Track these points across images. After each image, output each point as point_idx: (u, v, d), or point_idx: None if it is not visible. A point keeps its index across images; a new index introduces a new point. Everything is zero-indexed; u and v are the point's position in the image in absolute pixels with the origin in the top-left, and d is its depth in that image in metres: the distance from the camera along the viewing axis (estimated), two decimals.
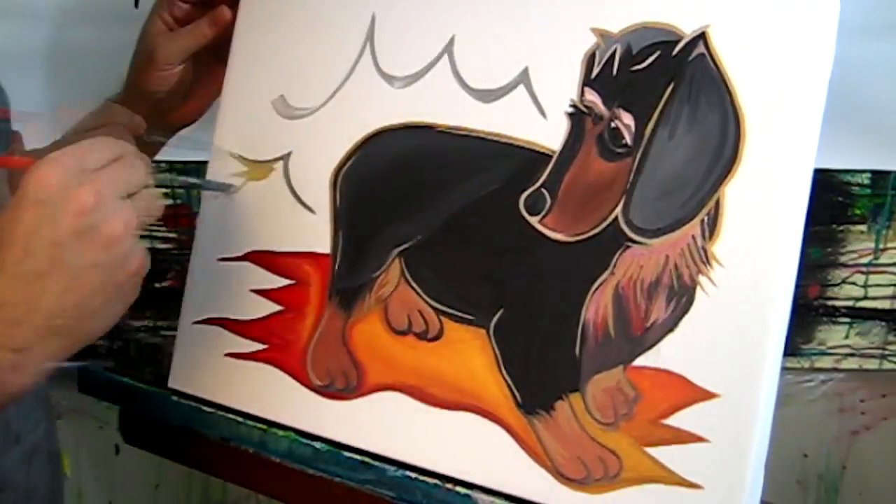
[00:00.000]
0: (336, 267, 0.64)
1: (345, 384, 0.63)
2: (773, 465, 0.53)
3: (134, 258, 0.52)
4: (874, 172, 0.96)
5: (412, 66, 0.63)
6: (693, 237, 0.54)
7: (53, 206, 0.50)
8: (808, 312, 0.99)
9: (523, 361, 0.58)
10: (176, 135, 0.79)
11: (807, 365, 1.01)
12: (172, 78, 0.74)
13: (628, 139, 0.56)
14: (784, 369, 0.53)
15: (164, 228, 1.06)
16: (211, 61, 0.75)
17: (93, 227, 0.50)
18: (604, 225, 0.56)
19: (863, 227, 0.97)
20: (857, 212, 0.97)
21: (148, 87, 0.74)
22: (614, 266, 0.56)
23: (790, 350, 0.98)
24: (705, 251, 0.54)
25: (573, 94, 0.57)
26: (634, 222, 0.55)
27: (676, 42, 0.55)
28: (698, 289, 0.54)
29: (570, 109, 0.58)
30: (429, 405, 0.60)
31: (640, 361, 0.55)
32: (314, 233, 0.65)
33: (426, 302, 0.61)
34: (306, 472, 0.63)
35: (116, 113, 0.56)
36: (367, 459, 0.61)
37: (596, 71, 0.57)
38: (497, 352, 0.59)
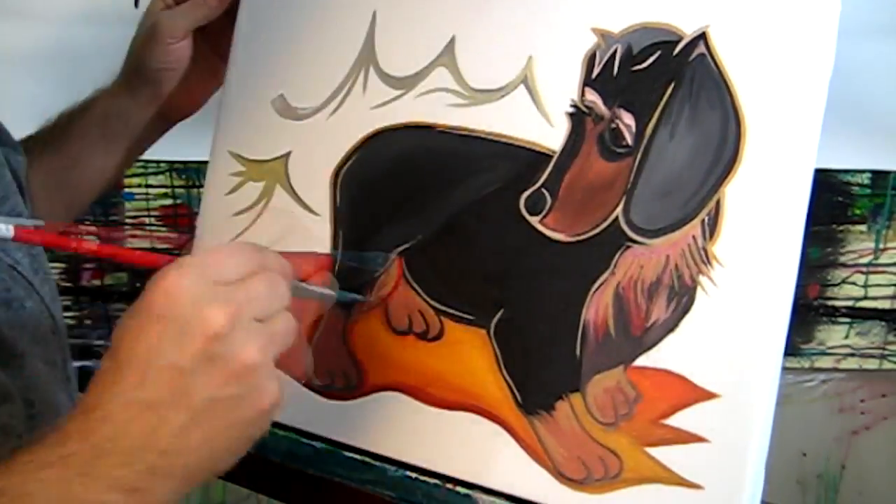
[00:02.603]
0: (336, 267, 0.64)
1: (345, 384, 0.63)
2: (773, 465, 0.53)
3: (267, 392, 0.46)
4: (874, 172, 0.96)
5: (413, 65, 0.63)
6: (693, 237, 0.54)
7: (181, 325, 0.44)
8: (808, 312, 0.99)
9: (524, 361, 0.58)
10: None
11: (807, 365, 1.01)
12: (175, 53, 0.72)
13: (629, 139, 0.56)
14: (784, 369, 0.53)
15: (164, 228, 1.06)
16: (209, 54, 0.74)
17: (224, 355, 0.44)
18: (604, 225, 0.56)
19: (863, 227, 0.97)
20: (857, 212, 0.97)
21: (151, 64, 0.73)
22: (615, 266, 0.56)
23: (790, 350, 0.98)
24: (706, 251, 0.54)
25: (574, 95, 0.57)
26: (635, 222, 0.55)
27: (677, 42, 0.55)
28: (699, 289, 0.54)
29: (571, 109, 0.58)
30: (429, 405, 0.60)
31: (640, 361, 0.55)
32: (314, 233, 0.65)
33: (426, 302, 0.61)
34: (306, 472, 0.63)
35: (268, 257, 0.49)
36: (367, 459, 0.61)
37: (596, 71, 0.57)
38: (497, 352, 0.59)
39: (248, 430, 0.46)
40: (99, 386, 0.44)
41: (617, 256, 0.56)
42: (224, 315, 0.44)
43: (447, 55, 0.62)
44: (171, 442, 0.43)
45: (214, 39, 0.74)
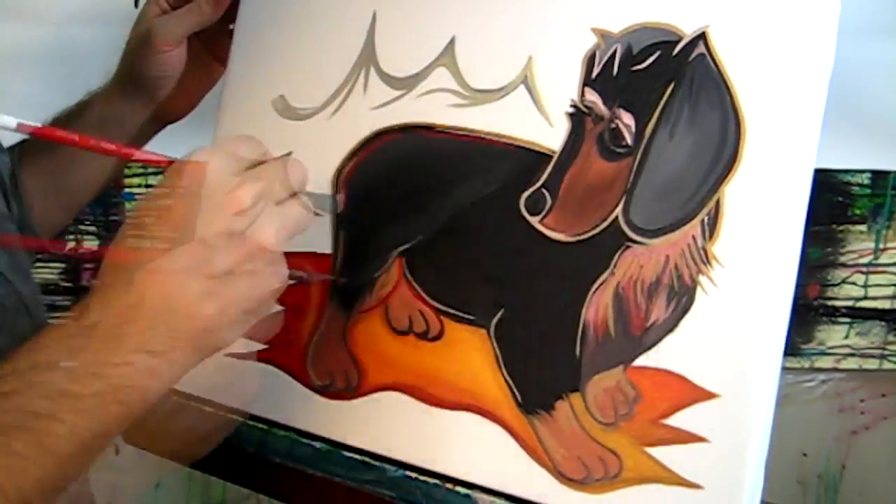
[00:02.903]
0: (337, 267, 0.64)
1: (345, 384, 0.63)
2: (773, 465, 0.53)
3: (277, 273, 0.49)
4: (874, 172, 0.96)
5: (413, 66, 0.63)
6: (693, 237, 0.54)
7: (211, 203, 0.47)
8: (808, 312, 0.99)
9: (524, 361, 0.58)
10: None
11: (807, 365, 1.01)
12: (171, 60, 0.72)
13: (628, 139, 0.56)
14: (784, 369, 0.53)
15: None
16: (204, 55, 0.74)
17: (244, 232, 0.47)
18: (604, 225, 0.56)
19: (863, 227, 0.98)
20: (857, 212, 0.97)
21: (146, 71, 0.72)
22: (615, 266, 0.56)
23: (790, 350, 0.98)
24: (705, 251, 0.54)
25: (573, 95, 0.57)
26: (635, 222, 0.55)
27: (677, 42, 0.55)
28: (698, 289, 0.54)
29: (571, 109, 0.58)
30: (429, 405, 0.60)
31: (640, 361, 0.55)
32: (315, 232, 0.65)
33: (427, 302, 0.61)
34: (306, 471, 0.63)
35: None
36: (367, 459, 0.61)
37: (596, 71, 0.57)
38: (497, 352, 0.59)
39: (255, 306, 0.49)
40: (118, 259, 0.47)
41: (617, 256, 0.56)
42: (250, 196, 0.47)
43: (447, 55, 0.62)
44: (191, 307, 0.46)
45: (209, 41, 0.74)
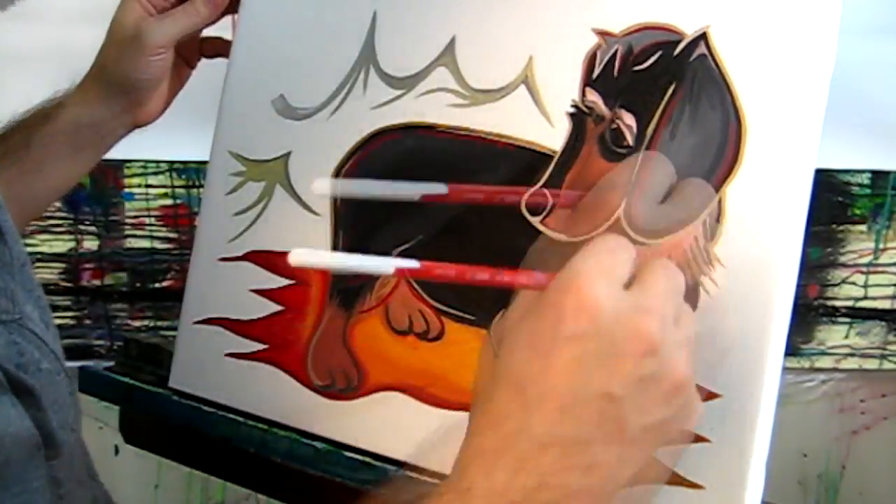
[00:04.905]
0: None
1: (345, 384, 0.63)
2: (773, 465, 0.53)
3: (695, 410, 0.40)
4: (874, 172, 0.96)
5: (413, 65, 0.63)
6: (695, 238, 0.54)
7: (605, 343, 0.37)
8: (808, 312, 0.99)
9: None
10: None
11: (807, 365, 1.01)
12: (159, 64, 0.70)
13: (630, 139, 0.56)
14: (784, 369, 0.53)
15: (164, 228, 1.06)
16: (179, 60, 0.73)
17: (657, 372, 0.38)
18: (606, 225, 0.56)
19: (863, 227, 0.98)
20: (857, 212, 0.97)
21: (132, 74, 0.70)
22: None
23: (790, 350, 0.98)
24: (707, 252, 0.54)
25: (574, 95, 0.57)
26: (637, 223, 0.55)
27: (678, 42, 0.55)
28: (700, 289, 0.54)
29: (572, 110, 0.57)
30: (430, 405, 0.60)
31: None
32: (315, 233, 0.65)
33: (427, 302, 0.61)
34: (307, 472, 0.63)
35: None
36: (367, 460, 0.61)
37: (597, 71, 0.57)
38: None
39: (664, 454, 0.40)
40: (491, 424, 0.38)
41: None
42: (656, 325, 0.38)
43: (447, 55, 0.62)
44: (597, 484, 0.37)
45: (184, 44, 0.72)
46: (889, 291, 0.99)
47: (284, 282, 0.66)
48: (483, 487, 0.37)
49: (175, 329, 0.70)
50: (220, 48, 0.75)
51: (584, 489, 0.37)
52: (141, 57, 0.70)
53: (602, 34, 0.57)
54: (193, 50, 0.74)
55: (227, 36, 0.73)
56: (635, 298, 0.39)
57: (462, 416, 0.59)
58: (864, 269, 0.98)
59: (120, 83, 0.71)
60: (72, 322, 1.08)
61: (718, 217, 0.53)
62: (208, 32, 0.74)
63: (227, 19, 0.72)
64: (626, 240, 0.43)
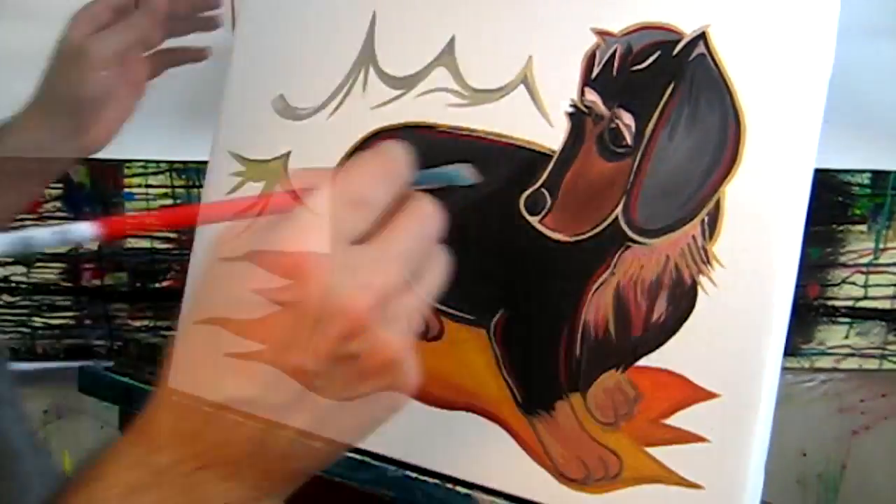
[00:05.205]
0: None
1: None
2: (773, 465, 0.53)
3: (408, 380, 0.39)
4: (874, 172, 0.96)
5: (413, 65, 0.63)
6: (693, 237, 0.54)
7: (308, 317, 0.36)
8: (808, 312, 0.99)
9: (524, 361, 0.58)
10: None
11: (807, 365, 1.01)
12: (104, 81, 0.69)
13: (629, 139, 0.56)
14: (784, 369, 0.53)
15: (164, 228, 1.06)
16: (125, 83, 0.71)
17: (362, 351, 0.36)
18: (604, 225, 0.56)
19: (863, 227, 0.98)
20: (857, 212, 0.97)
21: (75, 93, 0.68)
22: (615, 266, 0.56)
23: (790, 350, 0.98)
24: (706, 251, 0.54)
25: (573, 94, 0.57)
26: (635, 222, 0.55)
27: (677, 42, 0.55)
28: (699, 289, 0.54)
29: (571, 109, 0.58)
30: (429, 405, 0.60)
31: (640, 361, 0.55)
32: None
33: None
34: None
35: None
36: (366, 459, 0.61)
37: (596, 71, 0.57)
38: (497, 352, 0.59)
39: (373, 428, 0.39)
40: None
41: (617, 256, 0.56)
42: (370, 303, 0.35)
43: (447, 55, 0.62)
44: (287, 448, 0.37)
45: (132, 64, 0.71)
46: (889, 291, 0.99)
47: (284, 282, 0.66)
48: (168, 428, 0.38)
49: (175, 329, 0.70)
50: (170, 59, 0.74)
51: (260, 452, 0.37)
52: (86, 73, 0.68)
53: (601, 34, 0.57)
54: (141, 70, 0.72)
55: (227, 36, 0.73)
56: (359, 263, 0.36)
57: (461, 416, 0.59)
58: (864, 269, 0.98)
59: (65, 102, 0.70)
60: (72, 322, 1.08)
61: (717, 216, 0.53)
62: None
63: (227, 20, 0.72)
64: (377, 179, 0.39)
